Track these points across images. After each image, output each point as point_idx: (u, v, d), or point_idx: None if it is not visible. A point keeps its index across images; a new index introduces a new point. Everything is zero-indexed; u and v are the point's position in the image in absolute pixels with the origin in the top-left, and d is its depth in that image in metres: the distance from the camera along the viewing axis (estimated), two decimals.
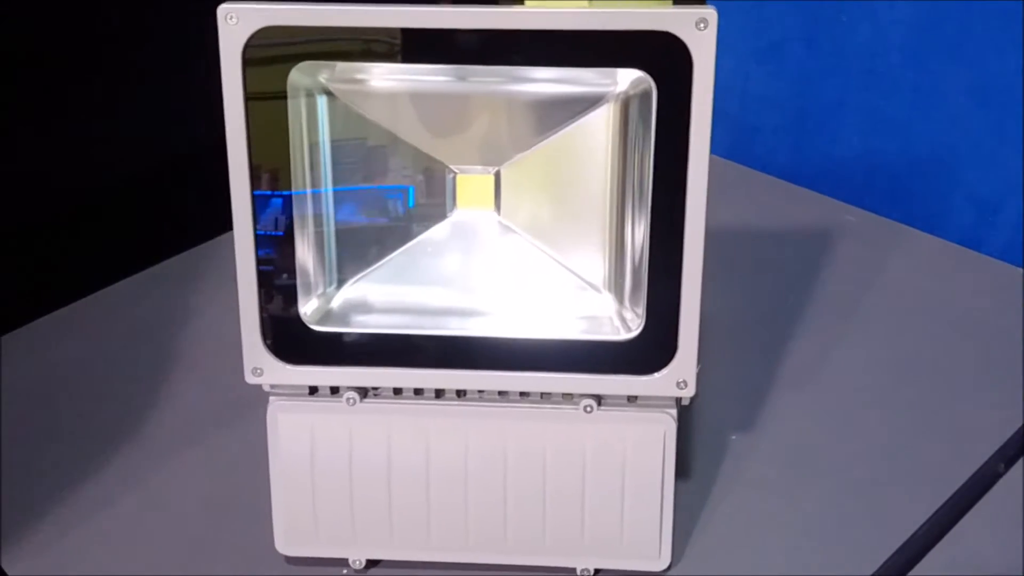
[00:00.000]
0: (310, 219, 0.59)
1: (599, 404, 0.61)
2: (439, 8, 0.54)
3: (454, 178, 0.61)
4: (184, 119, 0.88)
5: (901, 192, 1.01)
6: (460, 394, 0.61)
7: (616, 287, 0.61)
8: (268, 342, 0.59)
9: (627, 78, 0.57)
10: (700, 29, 0.53)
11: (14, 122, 0.84)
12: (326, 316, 0.60)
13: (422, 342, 0.59)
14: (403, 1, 0.54)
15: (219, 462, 0.72)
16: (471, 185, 0.61)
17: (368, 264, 0.62)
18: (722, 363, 0.78)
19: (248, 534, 0.66)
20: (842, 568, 0.65)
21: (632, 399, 0.61)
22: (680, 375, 0.58)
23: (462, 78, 0.58)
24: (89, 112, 0.89)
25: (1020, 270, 0.90)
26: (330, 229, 0.61)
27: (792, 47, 1.04)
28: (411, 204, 0.61)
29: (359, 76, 0.58)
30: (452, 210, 0.61)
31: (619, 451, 0.61)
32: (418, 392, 0.61)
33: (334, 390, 0.61)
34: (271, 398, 0.62)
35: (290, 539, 0.64)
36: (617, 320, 0.60)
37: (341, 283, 0.62)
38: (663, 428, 0.61)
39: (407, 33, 0.55)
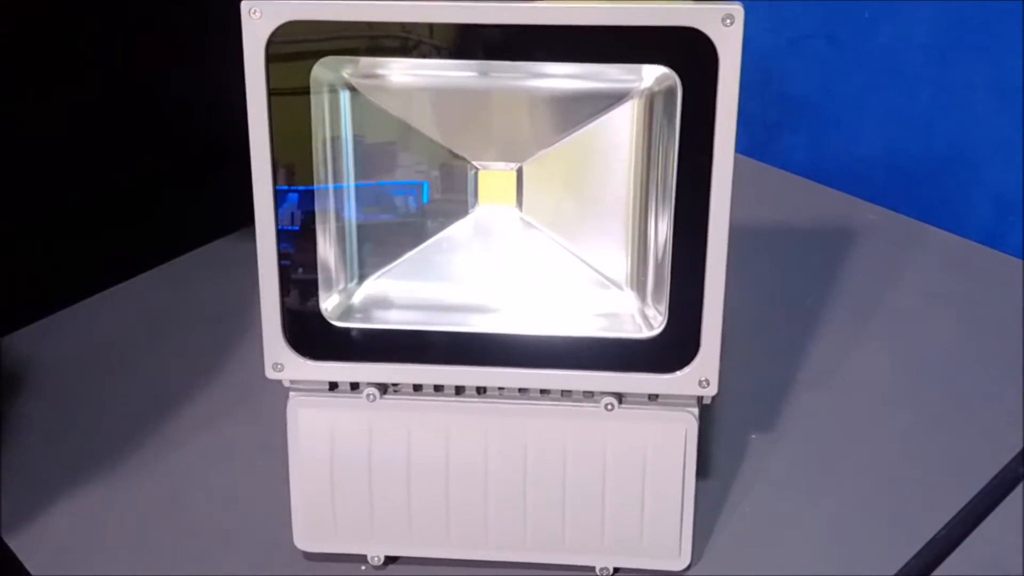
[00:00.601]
0: (332, 215, 0.59)
1: (620, 402, 0.60)
2: (462, 3, 0.54)
3: (476, 174, 0.61)
4: (210, 110, 0.88)
5: (922, 190, 1.01)
6: (480, 391, 0.61)
7: (638, 284, 0.60)
8: (289, 337, 0.59)
9: (652, 74, 0.56)
10: (727, 25, 0.53)
11: (33, 113, 0.84)
12: (347, 312, 0.60)
13: (442, 338, 0.59)
14: None
15: (238, 457, 0.72)
16: (493, 181, 0.61)
17: (389, 260, 0.61)
18: (742, 361, 0.77)
19: (267, 529, 0.66)
20: (862, 569, 0.64)
21: (653, 397, 0.60)
22: (702, 374, 0.58)
23: (485, 73, 0.58)
24: (115, 102, 0.89)
25: None
26: (351, 225, 0.60)
27: (814, 44, 1.04)
28: (433, 200, 0.61)
29: (382, 71, 0.58)
30: (474, 206, 0.61)
31: (640, 450, 0.61)
32: (438, 389, 0.61)
33: (354, 386, 0.61)
34: (291, 394, 0.62)
35: (309, 535, 0.63)
36: (639, 318, 0.60)
37: (362, 279, 0.61)
38: (684, 427, 0.60)
39: (430, 28, 0.54)
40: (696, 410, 0.60)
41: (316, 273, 0.59)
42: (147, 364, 0.81)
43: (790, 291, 0.88)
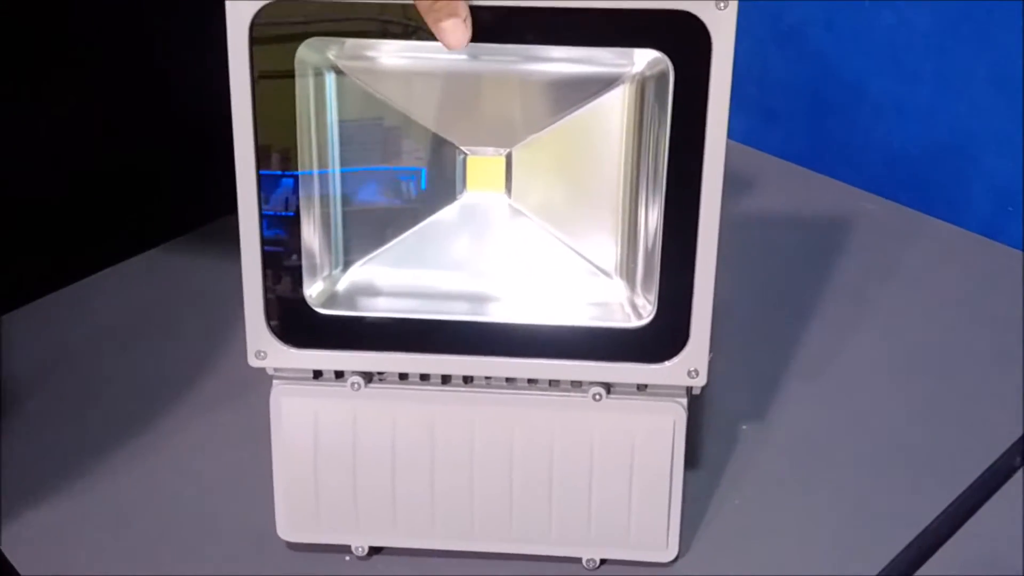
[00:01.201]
0: (316, 200, 0.58)
1: (608, 392, 0.60)
2: None
3: (464, 159, 0.60)
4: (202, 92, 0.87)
5: (920, 180, 1.00)
6: (467, 380, 0.61)
7: (628, 273, 0.60)
8: (272, 325, 0.58)
9: (644, 58, 0.55)
10: (720, 9, 0.52)
11: (19, 97, 0.83)
12: (331, 299, 0.59)
13: (429, 327, 0.58)
14: None
15: (221, 446, 0.72)
16: (482, 167, 0.60)
17: (375, 246, 0.61)
18: (734, 351, 0.76)
19: (249, 519, 0.65)
20: (853, 562, 0.64)
21: (642, 388, 0.60)
22: (691, 364, 0.58)
23: (474, 56, 0.57)
24: (103, 86, 0.88)
25: None
26: (337, 210, 0.60)
27: (813, 31, 1.03)
28: (422, 186, 0.60)
29: (369, 53, 0.57)
30: (462, 192, 0.60)
31: (628, 440, 0.60)
32: (424, 378, 0.60)
33: (339, 374, 0.60)
34: (275, 382, 0.61)
35: (292, 525, 0.63)
36: (628, 307, 0.59)
37: (347, 266, 0.61)
38: (673, 418, 0.60)
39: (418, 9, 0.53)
40: (685, 400, 0.60)
41: (300, 259, 0.58)
42: (136, 352, 0.80)
43: (784, 281, 0.87)
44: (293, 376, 0.61)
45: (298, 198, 0.57)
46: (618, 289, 0.60)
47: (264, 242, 0.57)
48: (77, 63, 0.86)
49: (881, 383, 0.77)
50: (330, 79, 0.57)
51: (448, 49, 0.53)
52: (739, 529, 0.66)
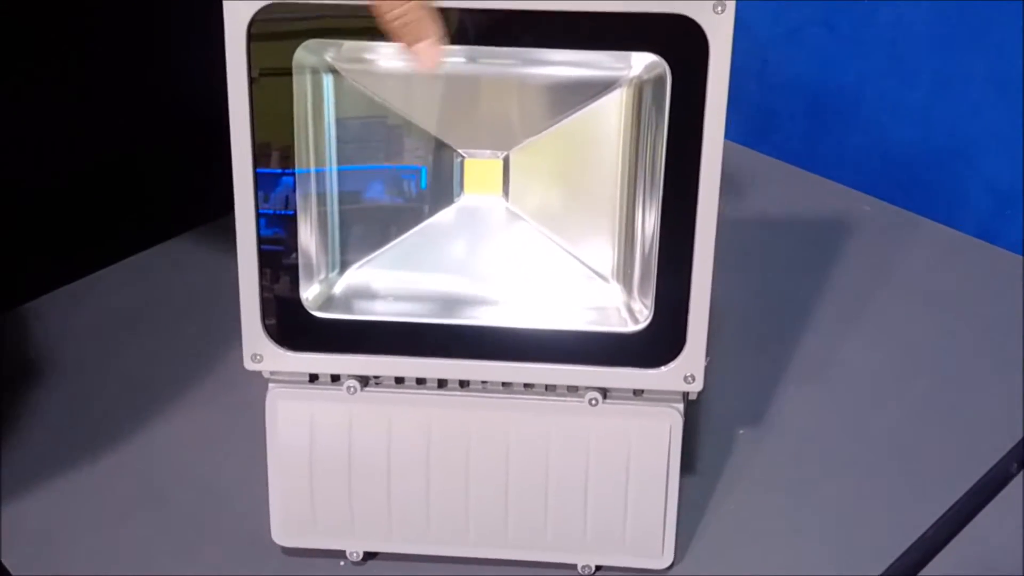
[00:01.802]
0: (313, 201, 0.58)
1: (604, 397, 0.59)
2: None
3: (462, 162, 0.60)
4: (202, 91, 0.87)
5: (918, 182, 1.00)
6: (463, 384, 0.60)
7: (625, 277, 0.59)
8: (268, 327, 0.58)
9: (641, 62, 0.55)
10: (717, 12, 0.52)
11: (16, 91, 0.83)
12: (328, 302, 0.59)
13: (425, 330, 0.58)
14: None
15: (216, 450, 0.71)
16: (479, 170, 0.60)
17: (372, 249, 0.60)
18: (731, 355, 0.76)
19: (244, 524, 0.65)
20: (850, 567, 0.64)
21: (638, 393, 0.59)
22: (688, 369, 0.57)
23: (472, 59, 0.57)
24: (103, 85, 0.88)
25: None
26: (334, 211, 0.59)
27: (812, 32, 1.03)
28: (421, 185, 0.60)
29: (366, 55, 0.57)
30: (459, 195, 0.60)
31: (624, 446, 0.60)
32: (420, 382, 0.60)
33: (335, 378, 0.60)
34: (270, 385, 0.61)
35: (287, 530, 0.63)
36: (625, 311, 0.59)
37: (344, 268, 0.60)
38: (669, 423, 0.59)
39: None
40: (681, 406, 0.60)
41: (297, 261, 0.57)
42: (135, 351, 0.80)
43: (781, 283, 0.87)
44: (289, 380, 0.60)
45: (295, 199, 0.57)
46: (615, 293, 0.60)
47: (261, 241, 0.57)
48: (77, 62, 0.86)
49: (878, 387, 0.77)
50: (328, 80, 0.57)
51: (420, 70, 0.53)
52: (736, 535, 0.66)
